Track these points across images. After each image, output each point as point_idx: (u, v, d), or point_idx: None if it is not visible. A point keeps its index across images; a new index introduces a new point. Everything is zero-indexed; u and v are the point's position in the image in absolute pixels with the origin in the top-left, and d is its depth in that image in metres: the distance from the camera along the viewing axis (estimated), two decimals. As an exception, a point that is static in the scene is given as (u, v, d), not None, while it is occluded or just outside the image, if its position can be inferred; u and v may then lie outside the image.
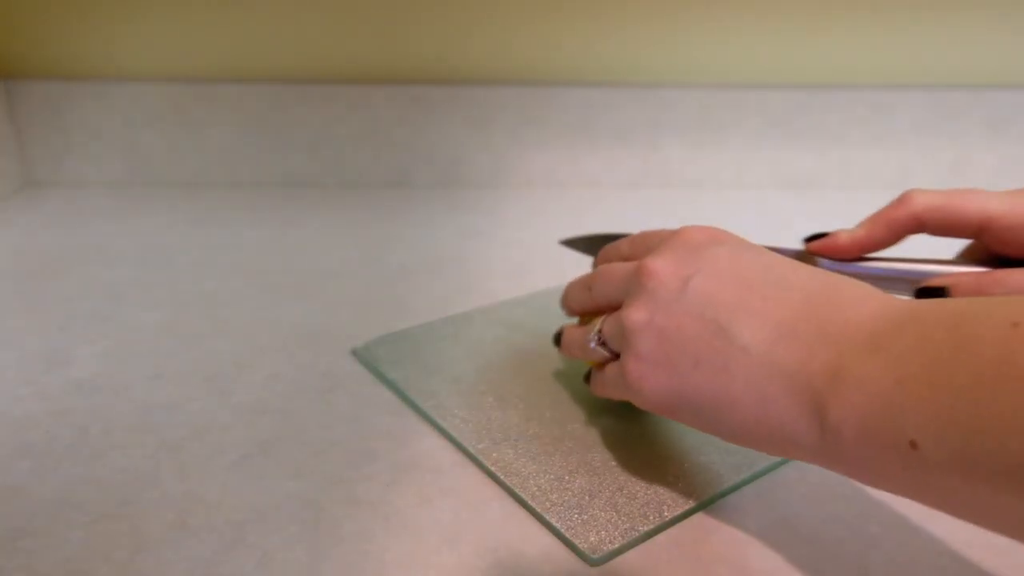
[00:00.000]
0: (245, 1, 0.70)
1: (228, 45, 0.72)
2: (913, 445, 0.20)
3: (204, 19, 0.71)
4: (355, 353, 0.43)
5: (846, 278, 0.27)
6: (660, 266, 0.29)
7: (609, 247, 0.37)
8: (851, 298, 0.25)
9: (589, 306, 0.35)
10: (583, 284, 0.36)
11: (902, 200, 0.34)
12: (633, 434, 0.36)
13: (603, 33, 0.73)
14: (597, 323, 0.33)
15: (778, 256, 0.29)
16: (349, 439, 0.36)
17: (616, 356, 0.32)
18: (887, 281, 0.36)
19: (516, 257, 0.59)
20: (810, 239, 0.37)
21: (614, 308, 0.33)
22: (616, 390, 0.32)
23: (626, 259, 0.35)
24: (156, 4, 0.70)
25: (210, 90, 0.72)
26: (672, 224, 0.68)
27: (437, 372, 0.41)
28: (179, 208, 0.69)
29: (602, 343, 0.32)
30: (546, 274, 0.55)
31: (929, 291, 0.33)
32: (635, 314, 0.29)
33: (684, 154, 0.77)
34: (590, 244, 0.43)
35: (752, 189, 0.78)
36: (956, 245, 0.36)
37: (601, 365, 0.34)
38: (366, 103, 0.73)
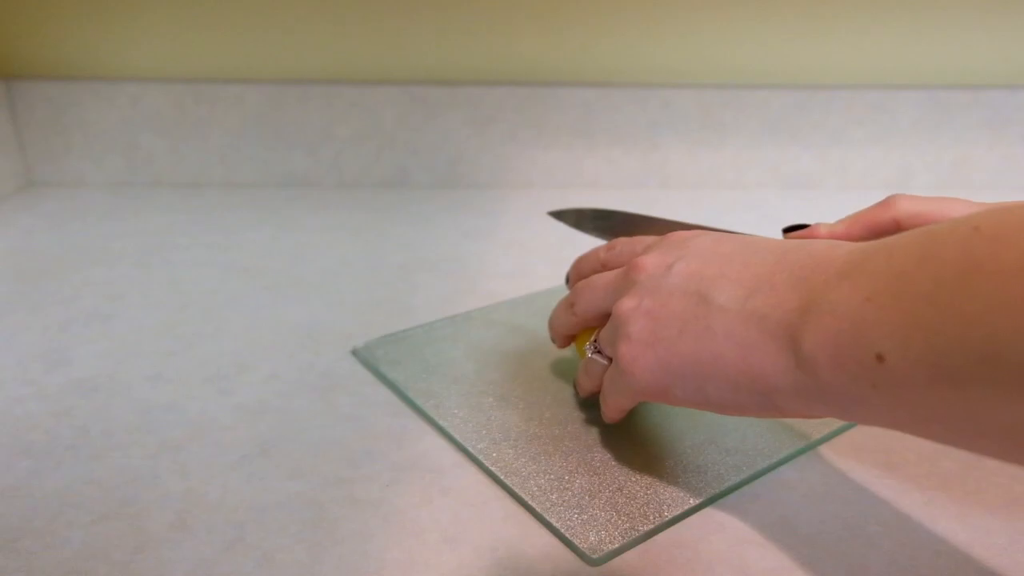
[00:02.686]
0: (245, 1, 0.70)
1: (228, 45, 0.72)
2: (880, 358, 0.21)
3: (204, 19, 0.71)
4: (355, 353, 0.43)
5: (820, 240, 0.28)
6: (647, 260, 0.31)
7: (583, 258, 0.38)
8: (825, 246, 0.26)
9: (574, 325, 0.36)
10: (566, 305, 0.37)
11: (885, 203, 0.34)
12: (633, 434, 0.36)
13: (603, 33, 0.73)
14: (594, 333, 0.34)
15: (758, 236, 0.30)
16: (349, 439, 0.36)
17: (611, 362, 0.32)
18: None
19: (516, 257, 0.59)
20: (788, 229, 0.37)
21: (601, 321, 0.34)
22: (615, 388, 0.32)
23: (604, 264, 0.36)
24: (156, 4, 0.70)
25: (210, 90, 0.72)
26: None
27: (437, 372, 0.41)
28: (179, 208, 0.69)
29: (598, 351, 0.33)
30: (546, 274, 0.55)
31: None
32: (626, 303, 0.30)
33: (684, 154, 0.77)
34: (579, 217, 0.44)
35: (752, 189, 0.78)
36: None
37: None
38: (366, 103, 0.73)
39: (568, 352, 0.43)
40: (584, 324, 0.36)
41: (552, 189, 0.77)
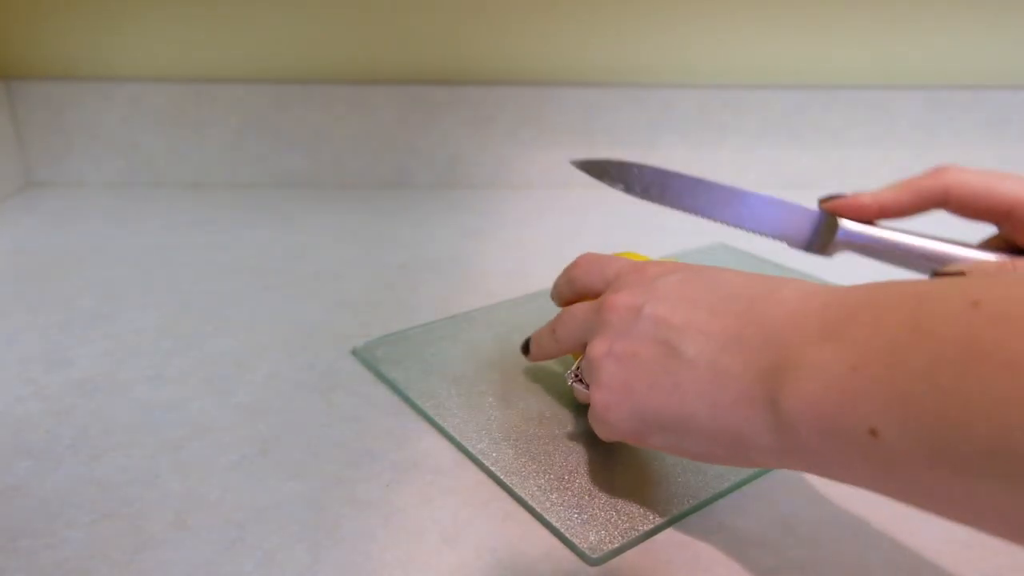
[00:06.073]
0: (245, 1, 0.70)
1: (228, 45, 0.72)
2: (873, 433, 0.20)
3: (204, 19, 0.71)
4: (355, 353, 0.43)
5: (793, 278, 0.27)
6: (617, 300, 0.30)
7: (560, 279, 0.38)
8: (797, 294, 0.25)
9: (556, 352, 0.36)
10: (549, 330, 0.36)
11: (936, 172, 0.34)
12: (633, 434, 0.36)
13: (603, 33, 0.73)
14: (576, 362, 0.34)
15: (731, 272, 0.29)
16: (349, 439, 0.36)
17: None
18: (903, 255, 0.35)
19: (516, 257, 0.59)
20: (825, 199, 0.37)
21: (582, 350, 0.33)
22: (595, 426, 0.32)
23: (572, 281, 0.36)
24: (156, 4, 0.70)
25: (210, 90, 0.72)
26: (669, 225, 0.68)
27: (437, 372, 0.41)
28: (179, 208, 0.69)
29: (579, 380, 0.33)
30: (546, 274, 0.55)
31: (946, 276, 0.33)
32: (597, 347, 0.30)
33: (684, 154, 0.77)
34: (601, 168, 0.43)
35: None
36: (978, 232, 0.36)
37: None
38: (366, 103, 0.73)
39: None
40: (564, 352, 0.36)
41: (552, 189, 0.77)
